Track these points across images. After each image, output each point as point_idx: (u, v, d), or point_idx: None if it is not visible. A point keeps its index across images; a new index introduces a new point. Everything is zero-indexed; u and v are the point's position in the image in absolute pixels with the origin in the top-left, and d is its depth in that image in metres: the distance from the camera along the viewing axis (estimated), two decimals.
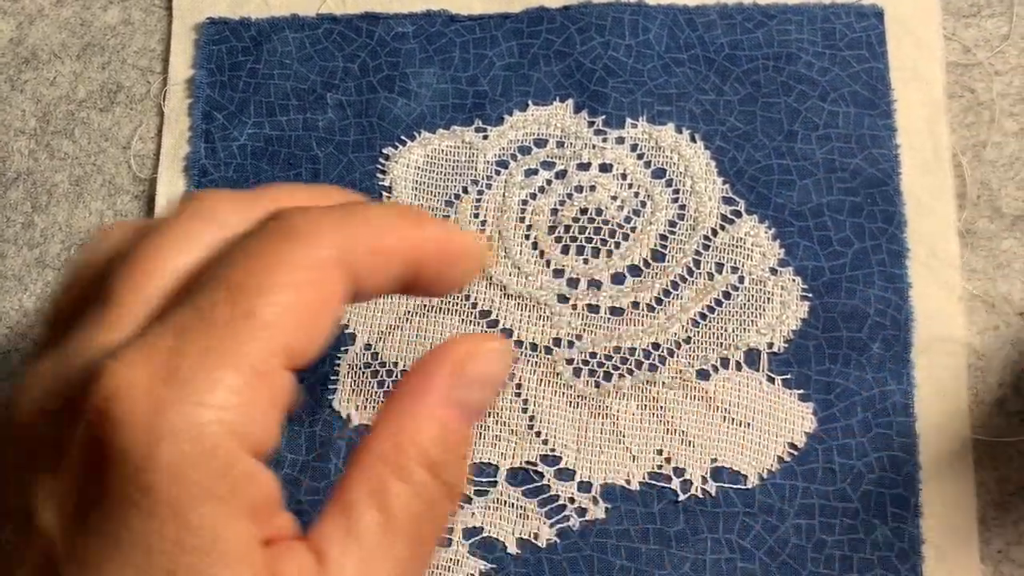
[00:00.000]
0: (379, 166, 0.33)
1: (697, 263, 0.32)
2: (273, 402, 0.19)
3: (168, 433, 0.18)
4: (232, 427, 0.19)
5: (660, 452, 0.30)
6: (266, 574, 0.19)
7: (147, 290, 0.20)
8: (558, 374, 0.31)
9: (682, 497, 0.30)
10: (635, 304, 0.32)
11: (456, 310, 0.32)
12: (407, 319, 0.32)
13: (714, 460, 0.30)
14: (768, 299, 0.31)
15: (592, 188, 0.32)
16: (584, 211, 0.32)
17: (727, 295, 0.32)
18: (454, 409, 0.22)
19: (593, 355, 0.31)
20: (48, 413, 0.19)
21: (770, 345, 0.31)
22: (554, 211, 0.32)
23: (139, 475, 0.18)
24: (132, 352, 0.19)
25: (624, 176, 0.33)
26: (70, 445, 0.18)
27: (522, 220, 0.32)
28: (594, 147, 0.33)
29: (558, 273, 0.32)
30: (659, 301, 0.32)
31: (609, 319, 0.31)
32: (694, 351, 0.31)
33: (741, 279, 0.32)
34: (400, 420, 0.22)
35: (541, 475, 0.31)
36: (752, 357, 0.31)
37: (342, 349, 0.31)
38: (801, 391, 0.31)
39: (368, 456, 0.21)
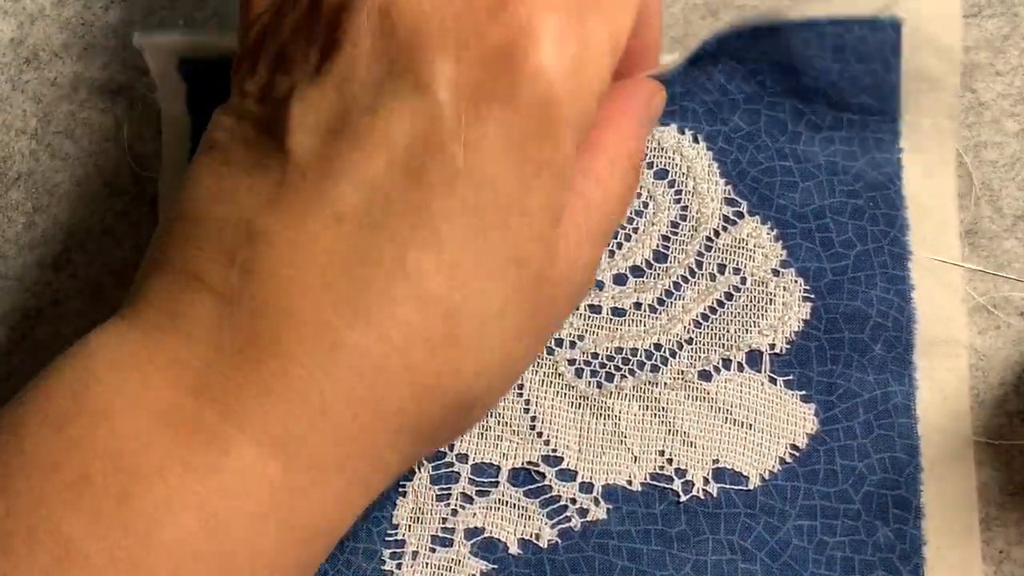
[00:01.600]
0: None
1: (699, 264, 0.32)
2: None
3: (577, 73, 0.22)
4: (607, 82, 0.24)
5: (662, 453, 0.31)
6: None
7: None
8: (560, 375, 0.31)
9: (684, 498, 0.30)
10: (637, 305, 0.32)
11: None
12: None
13: (716, 461, 0.30)
14: (770, 300, 0.31)
15: None
16: None
17: (729, 296, 0.32)
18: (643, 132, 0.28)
19: (595, 356, 0.31)
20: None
21: (772, 346, 0.31)
22: None
23: (542, 99, 0.21)
24: None
25: None
26: (477, 41, 0.21)
27: None
28: None
29: None
30: (661, 302, 0.32)
31: (611, 320, 0.32)
32: (696, 352, 0.31)
33: (743, 280, 0.32)
34: (622, 124, 0.26)
35: (543, 476, 0.31)
36: (754, 358, 0.31)
37: None
38: (803, 392, 0.31)
39: (604, 148, 0.26)
